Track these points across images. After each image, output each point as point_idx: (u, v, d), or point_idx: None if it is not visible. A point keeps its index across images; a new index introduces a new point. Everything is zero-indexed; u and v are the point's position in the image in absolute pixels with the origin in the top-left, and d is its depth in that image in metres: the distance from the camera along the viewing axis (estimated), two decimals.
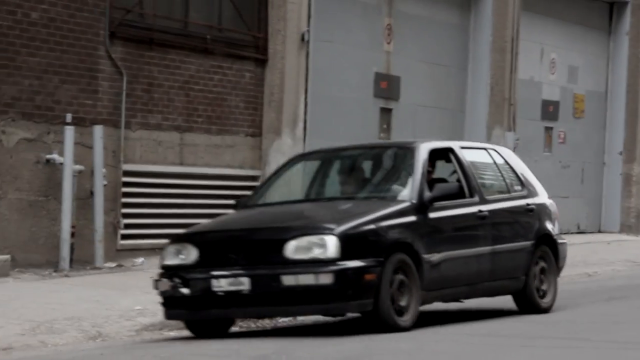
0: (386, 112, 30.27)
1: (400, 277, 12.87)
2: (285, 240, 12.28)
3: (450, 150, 15.05)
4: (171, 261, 12.97)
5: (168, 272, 12.81)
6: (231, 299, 12.48)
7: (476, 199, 14.90)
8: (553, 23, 36.30)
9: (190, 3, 24.32)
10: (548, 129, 36.95)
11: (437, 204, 14.04)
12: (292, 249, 12.26)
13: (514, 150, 24.92)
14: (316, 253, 12.27)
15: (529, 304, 15.53)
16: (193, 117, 23.70)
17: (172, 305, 12.82)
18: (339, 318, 14.10)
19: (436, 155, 14.96)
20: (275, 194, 15.08)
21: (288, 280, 12.20)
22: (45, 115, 20.72)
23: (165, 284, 12.57)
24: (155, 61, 23.30)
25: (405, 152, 14.94)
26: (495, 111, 33.40)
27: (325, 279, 12.17)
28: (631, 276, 23.80)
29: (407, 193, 13.90)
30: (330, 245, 12.23)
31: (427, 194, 13.90)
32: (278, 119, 25.76)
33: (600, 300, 17.88)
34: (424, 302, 13.75)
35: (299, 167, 16.01)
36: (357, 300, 12.42)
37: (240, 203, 15.59)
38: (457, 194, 14.47)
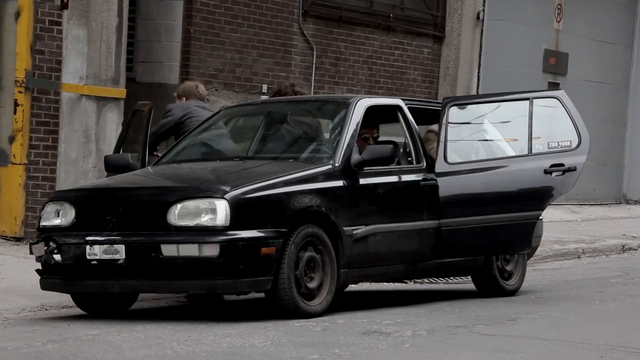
0: (554, 87, 26.65)
1: (309, 253, 10.08)
2: (170, 203, 9.64)
3: (397, 108, 11.78)
4: (49, 222, 10.22)
5: (43, 234, 10.08)
6: (106, 269, 9.79)
7: (423, 165, 11.78)
8: None
9: None
10: None
11: (372, 169, 11.05)
12: (177, 213, 9.55)
13: None
14: (204, 220, 9.57)
15: (491, 286, 12.63)
16: (375, 89, 21.97)
17: (48, 273, 10.18)
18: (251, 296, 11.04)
19: (379, 114, 11.98)
20: (190, 151, 12.13)
21: (168, 250, 9.46)
22: (244, 85, 19.77)
23: (40, 249, 9.89)
24: (343, 37, 22.09)
25: (338, 108, 11.80)
26: None
27: (211, 250, 9.44)
28: None
29: (330, 154, 10.91)
30: (220, 211, 9.50)
31: (356, 157, 10.84)
32: (452, 92, 23.64)
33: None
34: (345, 283, 11.26)
35: (221, 123, 12.79)
36: (251, 277, 9.67)
37: (153, 161, 12.53)
38: (392, 159, 11.25)
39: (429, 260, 11.63)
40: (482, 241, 11.88)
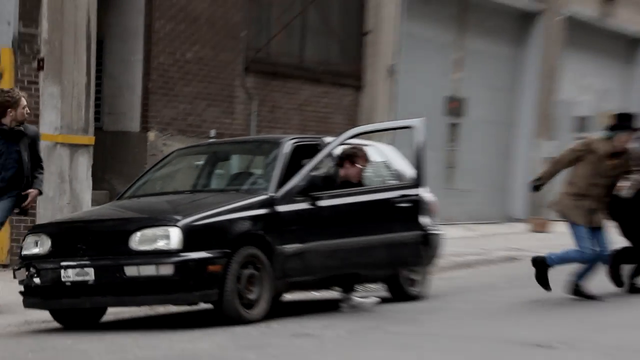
0: (454, 126, 28.20)
1: (249, 270, 10.23)
2: (131, 231, 9.87)
3: (317, 145, 11.80)
4: (29, 251, 10.43)
5: (25, 261, 10.30)
6: (78, 289, 9.99)
7: (351, 192, 11.94)
8: (589, 55, 33.06)
9: (306, 44, 22.88)
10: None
11: (304, 195, 11.12)
12: (137, 240, 9.77)
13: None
14: (160, 244, 9.78)
15: (400, 292, 12.78)
16: (305, 132, 20.79)
17: (29, 294, 10.44)
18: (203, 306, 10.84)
19: (306, 150, 11.77)
20: (148, 187, 12.19)
21: (130, 271, 9.72)
22: (195, 131, 19.61)
23: (22, 274, 10.10)
24: (278, 89, 21.94)
25: (271, 146, 12.07)
26: (539, 125, 31.35)
27: (166, 269, 9.68)
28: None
29: (265, 186, 11.10)
30: (173, 237, 9.75)
31: (288, 187, 10.90)
32: None
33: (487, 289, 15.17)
34: (280, 292, 11.46)
35: (174, 161, 12.88)
36: (200, 291, 9.90)
37: (117, 195, 12.91)
38: (328, 185, 11.43)
39: (353, 270, 11.86)
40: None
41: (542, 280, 11.67)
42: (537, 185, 11.90)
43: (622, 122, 11.52)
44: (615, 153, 11.29)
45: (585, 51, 32.90)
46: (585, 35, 32.66)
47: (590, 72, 33.64)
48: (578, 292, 11.52)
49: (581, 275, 11.55)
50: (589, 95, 33.99)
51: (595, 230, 11.40)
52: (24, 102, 10.03)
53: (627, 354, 8.41)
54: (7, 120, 9.84)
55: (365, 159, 11.96)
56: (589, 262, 11.43)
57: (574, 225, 11.47)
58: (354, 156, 11.72)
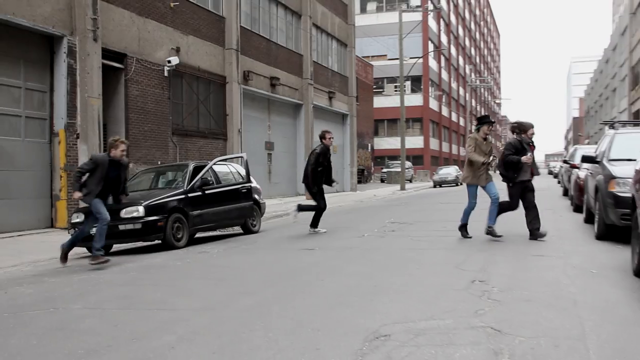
0: (269, 154, 30.63)
1: (177, 224, 12.58)
2: (121, 209, 11.73)
3: (207, 165, 14.04)
4: (74, 220, 12.16)
5: (73, 226, 12.07)
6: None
7: (219, 184, 14.26)
8: (323, 123, 33.66)
9: (199, 121, 24.24)
10: None
11: (199, 189, 13.44)
12: (124, 212, 11.83)
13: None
14: (134, 214, 11.90)
15: (247, 229, 15.12)
16: (200, 160, 21.16)
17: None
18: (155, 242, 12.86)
19: (199, 168, 13.99)
20: (129, 188, 13.06)
21: (122, 227, 11.82)
22: (150, 162, 20.70)
23: (72, 232, 11.52)
24: (189, 142, 23.36)
25: (184, 167, 14.09)
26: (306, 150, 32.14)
27: (138, 226, 11.87)
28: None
29: (182, 185, 13.36)
30: (140, 211, 11.93)
31: (192, 185, 13.29)
32: None
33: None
34: (193, 233, 13.45)
35: (141, 176, 14.99)
36: (155, 234, 12.12)
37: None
38: (209, 183, 13.75)
39: (226, 220, 14.26)
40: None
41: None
42: (484, 162, 11.08)
43: (482, 119, 11.28)
44: (485, 138, 11.23)
45: (321, 120, 34.60)
46: (321, 113, 35.46)
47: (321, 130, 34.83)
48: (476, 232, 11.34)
49: (466, 216, 11.48)
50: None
51: (484, 187, 11.19)
52: (122, 146, 10.38)
53: (328, 251, 10.52)
54: (113, 154, 10.36)
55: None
56: (470, 210, 11.37)
57: (469, 186, 11.31)
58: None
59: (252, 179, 15.52)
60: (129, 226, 11.84)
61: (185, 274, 8.76)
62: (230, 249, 11.61)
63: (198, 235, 14.66)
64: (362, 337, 4.84)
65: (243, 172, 15.35)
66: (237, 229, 15.49)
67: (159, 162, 20.26)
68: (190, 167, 13.68)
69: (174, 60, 21.55)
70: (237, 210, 14.46)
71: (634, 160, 8.68)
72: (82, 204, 12.35)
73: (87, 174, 10.26)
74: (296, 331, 5.16)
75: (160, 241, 12.28)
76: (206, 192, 13.55)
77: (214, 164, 14.34)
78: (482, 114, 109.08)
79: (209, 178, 13.78)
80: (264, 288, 7.16)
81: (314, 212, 13.54)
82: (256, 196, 15.34)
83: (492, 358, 4.25)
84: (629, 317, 5.39)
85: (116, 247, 13.22)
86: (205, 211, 13.33)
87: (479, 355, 4.32)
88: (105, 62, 18.58)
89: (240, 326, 5.39)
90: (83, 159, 16.55)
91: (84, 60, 17.32)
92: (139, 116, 20.37)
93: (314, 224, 13.57)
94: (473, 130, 11.64)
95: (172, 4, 22.19)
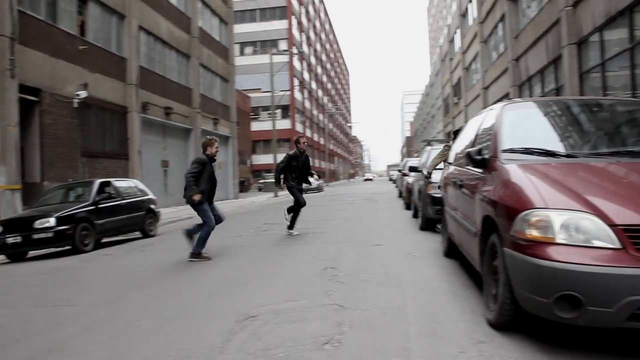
0: (165, 171, 29.22)
1: (85, 231, 12.10)
2: (34, 220, 11.41)
3: (109, 182, 13.66)
4: None
5: None
6: (15, 245, 11.44)
7: (120, 197, 13.73)
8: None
9: (105, 144, 23.35)
10: None
11: (103, 201, 12.97)
12: (38, 223, 11.39)
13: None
14: (46, 225, 11.45)
15: (145, 233, 14.47)
16: (107, 178, 20.94)
17: None
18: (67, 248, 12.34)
19: (105, 184, 13.53)
20: (44, 202, 13.15)
21: (35, 236, 11.40)
22: (61, 180, 19.51)
23: None
24: (96, 162, 22.07)
25: (91, 183, 13.38)
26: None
27: (50, 234, 11.40)
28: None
29: (88, 198, 12.78)
30: (52, 221, 11.48)
31: (97, 198, 12.81)
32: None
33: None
34: (98, 239, 12.74)
35: (53, 192, 13.84)
36: (65, 241, 11.62)
37: (31, 206, 13.43)
38: (112, 197, 13.27)
39: (126, 227, 13.64)
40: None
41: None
42: (429, 173, 10.31)
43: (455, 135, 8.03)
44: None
45: None
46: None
47: None
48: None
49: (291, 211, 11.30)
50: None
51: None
52: (216, 144, 8.89)
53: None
54: (209, 152, 8.84)
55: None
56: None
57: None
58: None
59: (148, 191, 15.13)
60: (42, 235, 11.33)
61: (90, 274, 8.37)
62: (130, 251, 11.16)
63: (104, 240, 14.10)
64: (234, 319, 4.81)
65: (141, 186, 15.02)
66: (138, 234, 14.80)
67: (70, 180, 19.22)
68: (96, 184, 13.14)
69: (83, 93, 20.74)
70: (136, 218, 14.01)
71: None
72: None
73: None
74: (180, 317, 5.08)
75: (70, 247, 11.73)
76: (109, 204, 13.06)
77: (116, 180, 14.01)
78: (341, 135, 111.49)
79: (112, 192, 13.27)
80: (157, 282, 6.95)
81: (293, 211, 11.43)
82: (152, 206, 14.87)
83: (336, 328, 4.35)
84: (439, 288, 5.62)
85: (32, 253, 12.75)
86: (109, 220, 12.81)
87: (326, 326, 4.42)
88: (22, 95, 17.66)
89: (134, 316, 5.24)
90: (1, 180, 15.90)
91: (2, 94, 16.36)
92: (52, 141, 19.31)
93: (291, 225, 11.50)
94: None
95: (80, 48, 21.35)
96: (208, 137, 8.93)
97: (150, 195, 15.16)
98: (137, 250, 11.34)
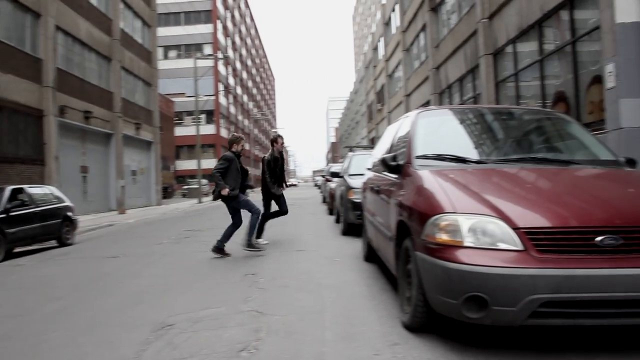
0: (84, 178, 28.19)
1: None
2: None
3: (22, 188, 12.91)
4: None
5: None
6: None
7: (34, 204, 12.93)
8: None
9: (19, 147, 22.36)
10: None
11: (15, 209, 12.25)
12: None
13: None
14: None
15: (62, 242, 13.82)
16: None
17: None
18: None
19: (18, 191, 12.75)
20: None
21: None
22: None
23: None
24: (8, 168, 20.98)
25: (1, 189, 12.39)
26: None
27: None
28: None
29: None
30: None
31: (7, 206, 12.08)
32: None
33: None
34: (10, 248, 12.19)
35: None
36: None
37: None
38: (25, 204, 12.56)
39: (41, 236, 12.95)
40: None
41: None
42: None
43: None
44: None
45: (130, 147, 32.75)
46: (130, 141, 32.44)
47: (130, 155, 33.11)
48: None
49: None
50: None
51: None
52: (242, 141, 9.06)
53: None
54: (235, 149, 8.92)
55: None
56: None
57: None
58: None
59: (65, 198, 14.58)
60: None
61: None
62: (44, 261, 10.69)
63: (17, 250, 13.45)
64: (150, 329, 4.75)
65: (58, 193, 14.48)
66: (54, 243, 14.24)
67: None
68: (7, 190, 12.42)
69: None
70: (52, 226, 13.49)
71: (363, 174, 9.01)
72: None
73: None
74: (94, 329, 4.95)
75: None
76: (22, 211, 12.47)
77: (30, 187, 13.35)
78: (266, 140, 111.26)
79: (25, 199, 12.71)
80: (70, 293, 6.70)
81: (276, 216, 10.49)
82: (70, 213, 14.33)
83: (253, 335, 4.36)
84: (356, 292, 5.72)
85: None
86: (22, 228, 12.25)
87: (243, 333, 4.42)
88: None
89: (45, 328, 5.05)
90: None
91: None
92: None
93: (259, 235, 10.33)
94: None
95: None
96: (235, 134, 8.99)
97: (67, 203, 14.63)
98: (52, 259, 10.91)
